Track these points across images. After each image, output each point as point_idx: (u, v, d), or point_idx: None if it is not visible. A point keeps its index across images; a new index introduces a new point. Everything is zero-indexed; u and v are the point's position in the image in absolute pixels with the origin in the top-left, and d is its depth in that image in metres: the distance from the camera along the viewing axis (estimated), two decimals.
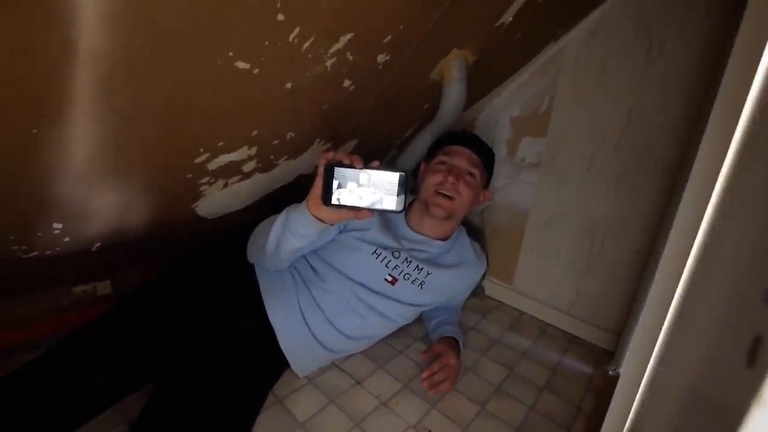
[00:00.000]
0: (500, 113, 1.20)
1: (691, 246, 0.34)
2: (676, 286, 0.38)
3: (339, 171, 0.58)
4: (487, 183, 0.96)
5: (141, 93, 0.48)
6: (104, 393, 0.63)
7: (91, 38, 0.38)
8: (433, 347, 0.92)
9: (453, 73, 0.83)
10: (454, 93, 0.86)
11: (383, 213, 0.77)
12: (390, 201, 0.58)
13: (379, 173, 0.58)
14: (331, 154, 0.60)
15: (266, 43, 0.51)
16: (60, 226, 0.66)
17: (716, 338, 0.35)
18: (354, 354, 0.95)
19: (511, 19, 0.77)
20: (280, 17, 0.48)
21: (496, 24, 0.78)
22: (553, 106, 1.08)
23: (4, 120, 0.43)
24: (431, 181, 0.88)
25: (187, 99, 0.53)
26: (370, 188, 0.58)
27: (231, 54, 0.50)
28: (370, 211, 0.59)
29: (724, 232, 0.36)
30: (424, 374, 0.85)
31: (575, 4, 0.89)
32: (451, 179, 0.85)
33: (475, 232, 1.31)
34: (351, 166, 0.58)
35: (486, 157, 0.93)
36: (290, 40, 0.52)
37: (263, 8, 0.46)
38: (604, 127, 1.00)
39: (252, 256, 0.80)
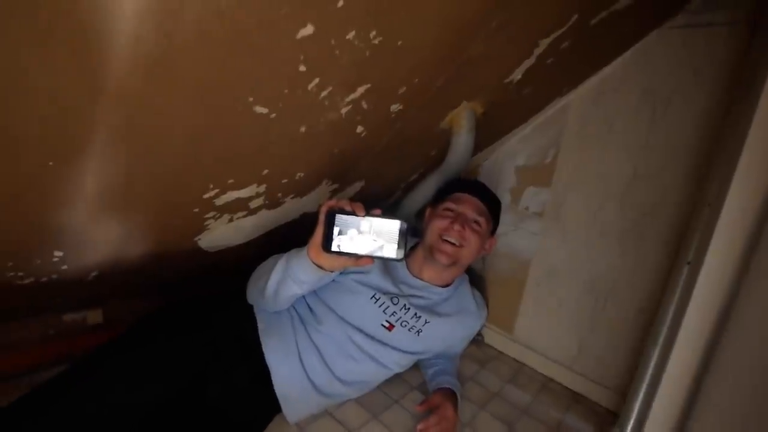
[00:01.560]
0: (505, 161, 1.22)
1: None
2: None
3: (340, 218, 0.59)
4: (493, 231, 0.96)
5: (160, 132, 0.49)
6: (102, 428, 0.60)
7: (118, 84, 0.39)
8: (430, 399, 0.88)
9: (462, 123, 0.86)
10: (462, 143, 0.88)
11: (383, 260, 0.77)
12: (390, 249, 0.58)
13: (380, 221, 0.58)
14: (333, 201, 0.60)
15: (286, 90, 0.52)
16: (60, 254, 0.65)
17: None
18: (347, 401, 0.91)
19: (520, 76, 0.81)
20: (302, 68, 0.50)
21: (506, 81, 0.81)
22: (558, 158, 1.10)
23: (24, 152, 0.43)
24: (437, 226, 0.87)
25: (204, 139, 0.54)
26: (371, 236, 0.58)
27: (251, 99, 0.51)
28: (370, 258, 0.59)
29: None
30: (420, 426, 0.82)
31: (583, 63, 0.93)
32: (457, 227, 0.84)
33: (476, 278, 1.29)
34: (353, 213, 0.59)
35: (493, 206, 0.93)
36: (309, 89, 0.54)
37: (287, 60, 0.47)
38: (609, 183, 1.01)
39: (251, 297, 0.78)
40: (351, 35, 0.48)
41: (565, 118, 1.07)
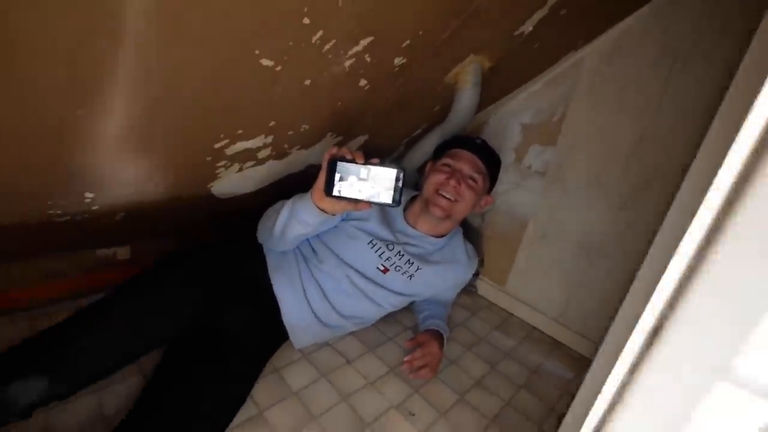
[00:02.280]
0: (511, 119, 1.22)
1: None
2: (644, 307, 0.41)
3: (341, 165, 0.63)
4: (489, 189, 0.99)
5: (174, 82, 0.53)
6: (124, 352, 0.71)
7: (137, 35, 0.43)
8: (417, 336, 0.97)
9: (468, 78, 0.86)
10: (466, 98, 0.89)
11: (381, 206, 0.82)
12: (387, 195, 0.63)
13: (378, 169, 0.62)
14: (335, 149, 0.64)
15: (290, 43, 0.54)
16: (91, 195, 0.72)
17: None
18: (346, 336, 1.01)
19: (531, 28, 0.79)
20: (306, 20, 0.51)
21: (515, 33, 0.80)
22: (566, 117, 1.10)
23: (53, 99, 0.48)
24: (433, 180, 0.91)
25: (214, 90, 0.58)
26: (369, 182, 0.63)
27: (257, 52, 0.54)
28: (368, 203, 0.64)
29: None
30: (406, 358, 0.92)
31: (599, 16, 0.90)
32: (452, 182, 0.88)
33: (474, 232, 1.35)
34: (353, 161, 0.63)
35: (491, 165, 0.95)
36: (313, 41, 0.56)
37: (291, 12, 0.49)
38: (615, 144, 1.02)
39: (261, 237, 0.86)
40: None
41: (578, 75, 1.05)
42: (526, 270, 1.26)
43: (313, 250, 0.93)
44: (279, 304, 0.85)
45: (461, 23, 0.69)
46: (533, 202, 1.20)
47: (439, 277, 0.98)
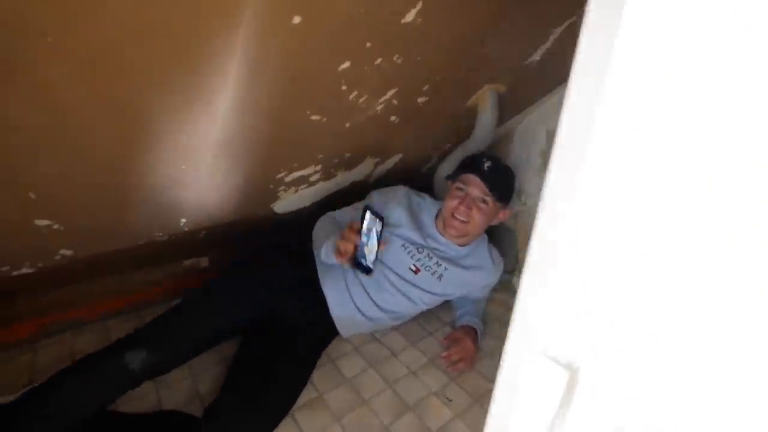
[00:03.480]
0: (538, 125, 1.28)
1: None
2: None
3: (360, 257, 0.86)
4: (507, 202, 1.05)
5: (249, 135, 0.70)
6: (206, 334, 0.92)
7: (228, 102, 0.60)
8: (452, 333, 1.09)
9: (486, 102, 0.96)
10: (487, 119, 0.99)
11: (409, 221, 1.03)
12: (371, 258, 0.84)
13: (364, 230, 0.84)
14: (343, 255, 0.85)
15: (332, 102, 0.70)
16: (184, 220, 0.93)
17: None
18: (391, 332, 1.16)
19: (539, 58, 0.88)
20: (344, 87, 0.66)
21: (525, 63, 0.89)
22: None
23: (171, 160, 0.67)
24: (448, 204, 1.01)
25: (276, 138, 0.75)
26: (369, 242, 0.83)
27: (308, 111, 0.69)
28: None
29: None
30: (444, 354, 1.04)
31: None
32: (463, 207, 0.98)
33: (509, 233, 1.43)
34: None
35: (499, 188, 1.00)
36: (350, 99, 0.70)
37: (333, 84, 0.64)
38: None
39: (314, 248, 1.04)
40: (378, 61, 0.62)
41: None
42: None
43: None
44: (327, 300, 1.01)
45: (473, 64, 0.80)
46: None
47: (466, 279, 1.09)
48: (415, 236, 1.06)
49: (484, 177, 0.97)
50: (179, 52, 0.46)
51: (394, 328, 1.17)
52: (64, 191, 0.62)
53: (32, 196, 0.59)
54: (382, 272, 1.04)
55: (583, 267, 0.27)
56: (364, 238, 0.84)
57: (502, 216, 1.06)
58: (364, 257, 0.85)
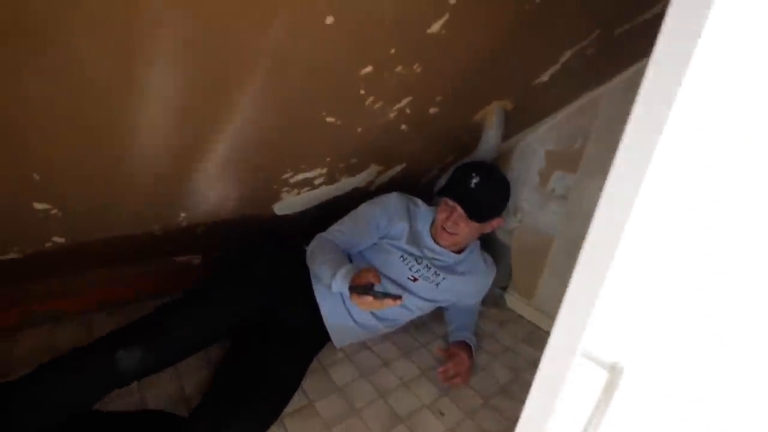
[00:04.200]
0: (536, 145, 1.32)
1: None
2: None
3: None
4: (490, 219, 1.04)
5: (261, 132, 0.70)
6: (199, 334, 0.88)
7: (243, 92, 0.60)
8: (449, 348, 1.09)
9: (493, 119, 0.98)
10: (492, 135, 1.02)
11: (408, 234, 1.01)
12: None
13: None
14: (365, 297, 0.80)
15: (349, 106, 0.70)
16: (184, 215, 0.91)
17: None
18: (384, 341, 1.15)
19: (546, 79, 0.91)
20: (362, 92, 0.67)
21: (534, 83, 0.92)
22: (586, 146, 1.19)
23: (178, 157, 0.66)
24: (439, 216, 1.04)
25: (288, 138, 0.75)
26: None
27: (324, 113, 0.70)
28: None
29: None
30: (440, 369, 1.03)
31: (611, 64, 1.00)
32: (450, 222, 1.01)
33: (503, 248, 1.45)
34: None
35: (481, 212, 0.99)
36: (366, 104, 0.71)
37: (352, 87, 0.65)
38: None
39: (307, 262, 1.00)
40: (399, 69, 0.64)
41: (596, 110, 1.14)
42: (552, 285, 1.33)
43: (351, 261, 1.06)
44: (320, 309, 1.00)
45: (485, 80, 0.82)
46: (557, 222, 1.29)
47: (462, 285, 1.11)
48: (413, 247, 1.07)
49: (464, 201, 0.97)
50: (207, 38, 0.46)
51: (387, 338, 1.16)
52: (69, 175, 0.60)
53: (36, 177, 0.57)
54: (382, 282, 1.03)
55: (633, 271, 0.28)
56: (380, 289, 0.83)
57: (495, 224, 1.07)
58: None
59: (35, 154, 0.54)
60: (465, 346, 1.09)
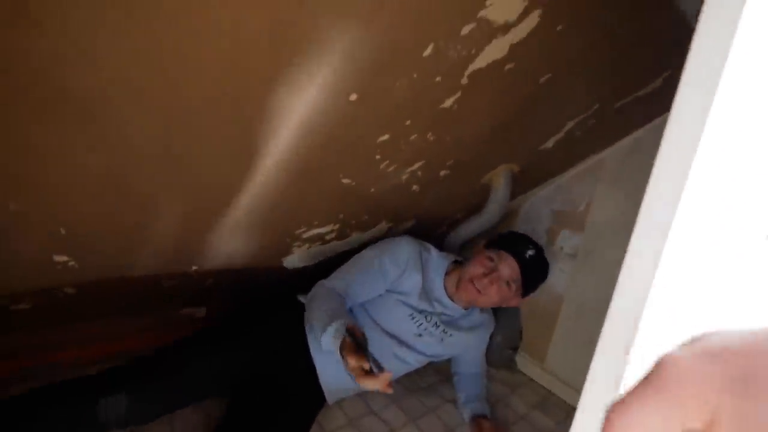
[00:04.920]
0: (543, 204, 1.34)
1: None
2: None
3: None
4: (524, 294, 1.01)
5: (284, 194, 0.73)
6: (199, 384, 0.86)
7: (271, 163, 0.63)
8: (475, 427, 1.02)
9: (500, 180, 1.02)
10: (499, 196, 1.05)
11: (420, 288, 0.94)
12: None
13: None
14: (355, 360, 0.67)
15: (365, 169, 0.74)
16: (196, 267, 0.92)
17: None
18: (389, 405, 1.09)
19: (551, 145, 0.96)
20: (378, 157, 0.71)
21: (539, 149, 0.97)
22: (592, 207, 1.21)
23: (211, 188, 0.68)
24: (472, 270, 0.95)
25: (304, 197, 0.78)
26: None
27: (341, 175, 0.73)
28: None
29: None
30: None
31: (612, 131, 1.06)
32: (486, 281, 0.92)
33: (513, 309, 1.42)
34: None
35: (530, 284, 0.97)
36: (380, 168, 0.75)
37: (369, 153, 0.69)
38: None
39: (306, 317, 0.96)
40: (413, 137, 0.68)
41: (600, 172, 1.19)
42: (564, 347, 1.29)
43: (354, 316, 1.01)
44: (316, 368, 0.95)
45: (494, 147, 0.87)
46: (566, 281, 1.27)
47: (466, 340, 1.09)
48: (424, 302, 1.01)
49: (523, 265, 0.94)
50: (240, 105, 0.50)
51: (393, 401, 1.10)
52: (94, 230, 0.63)
53: (62, 231, 0.59)
54: (383, 340, 1.00)
55: (680, 273, 0.28)
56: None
57: (513, 303, 1.03)
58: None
59: (68, 210, 0.57)
60: (488, 419, 1.04)
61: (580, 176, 1.24)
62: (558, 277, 1.30)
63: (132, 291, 0.90)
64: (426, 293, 1.01)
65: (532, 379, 1.37)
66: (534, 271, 0.97)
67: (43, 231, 0.57)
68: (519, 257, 0.94)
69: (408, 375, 1.20)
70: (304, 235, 0.95)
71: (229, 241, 0.84)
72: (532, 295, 1.05)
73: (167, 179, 0.58)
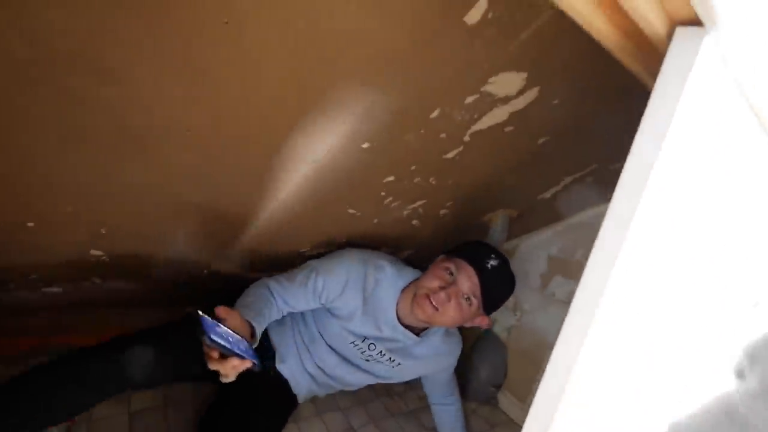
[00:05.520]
0: (539, 249, 1.39)
1: None
2: None
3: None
4: (486, 312, 0.87)
5: (301, 218, 0.81)
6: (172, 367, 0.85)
7: (288, 207, 0.72)
8: None
9: (498, 222, 1.09)
10: (496, 237, 1.11)
11: (362, 310, 0.89)
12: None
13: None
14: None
15: (370, 203, 0.82)
16: (206, 271, 1.00)
17: None
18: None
19: (549, 196, 1.03)
20: (383, 193, 0.79)
21: (538, 198, 1.03)
22: (588, 257, 1.25)
23: (229, 212, 0.77)
24: (427, 282, 0.83)
25: (316, 221, 0.86)
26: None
27: (347, 206, 0.81)
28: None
29: None
30: None
31: (612, 187, 1.12)
32: (442, 295, 0.79)
33: (500, 345, 1.45)
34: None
35: (492, 297, 0.85)
36: (384, 203, 0.83)
37: (375, 191, 0.77)
38: None
39: None
40: (417, 180, 0.76)
41: (598, 224, 1.23)
42: None
43: (306, 327, 1.00)
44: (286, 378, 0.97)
45: (493, 192, 0.95)
46: (557, 327, 1.30)
47: (421, 368, 1.03)
48: (367, 327, 0.90)
49: (482, 276, 0.80)
50: (266, 145, 0.59)
51: (376, 426, 1.14)
52: (132, 228, 0.71)
53: (103, 231, 0.68)
54: (330, 356, 0.97)
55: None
56: (224, 343, 0.54)
57: (480, 321, 0.89)
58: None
59: (111, 215, 0.66)
60: None
61: (577, 227, 1.29)
62: (548, 322, 1.33)
63: (151, 287, 0.98)
64: (370, 317, 0.90)
65: (512, 419, 1.39)
66: (496, 284, 0.83)
67: (87, 229, 0.66)
68: (479, 267, 0.81)
69: (391, 398, 1.25)
70: (307, 254, 1.03)
71: (240, 253, 0.92)
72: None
73: (197, 199, 0.67)
